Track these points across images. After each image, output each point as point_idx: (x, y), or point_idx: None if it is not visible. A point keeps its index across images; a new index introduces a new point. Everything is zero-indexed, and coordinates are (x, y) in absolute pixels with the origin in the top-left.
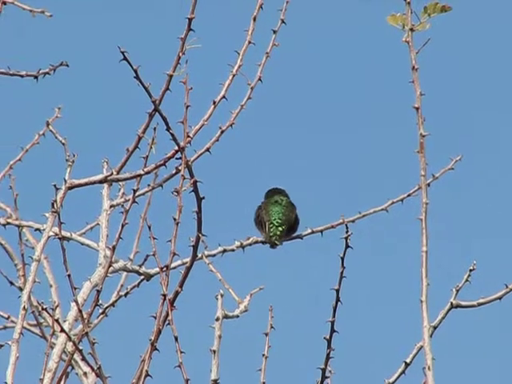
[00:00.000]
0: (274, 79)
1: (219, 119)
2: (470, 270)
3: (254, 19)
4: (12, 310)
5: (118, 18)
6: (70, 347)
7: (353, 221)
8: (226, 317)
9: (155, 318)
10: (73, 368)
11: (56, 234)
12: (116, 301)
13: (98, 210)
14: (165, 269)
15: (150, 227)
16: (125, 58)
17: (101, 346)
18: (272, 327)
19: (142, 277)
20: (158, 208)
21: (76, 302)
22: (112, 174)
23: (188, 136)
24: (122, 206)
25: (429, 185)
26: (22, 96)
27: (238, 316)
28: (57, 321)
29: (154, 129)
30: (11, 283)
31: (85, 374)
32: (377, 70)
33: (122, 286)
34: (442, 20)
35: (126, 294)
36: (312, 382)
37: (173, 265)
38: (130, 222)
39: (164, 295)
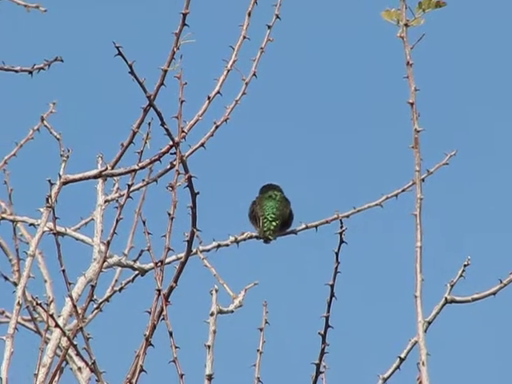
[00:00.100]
0: (268, 74)
1: (214, 114)
2: (465, 266)
3: (249, 14)
4: (6, 305)
5: (113, 12)
6: (64, 342)
7: (347, 216)
8: (220, 312)
9: (150, 313)
10: (67, 363)
11: (50, 229)
12: (110, 296)
13: (92, 205)
14: (159, 264)
15: (144, 222)
16: (119, 53)
17: (95, 341)
18: (266, 322)
19: (137, 272)
20: (152, 203)
21: (70, 297)
22: (106, 169)
23: (183, 131)
24: (117, 201)
25: (423, 180)
26: (17, 91)
27: (232, 311)
28: (51, 316)
29: (149, 124)
30: (6, 278)
31: (79, 369)
32: (371, 65)
33: (116, 281)
34: (437, 15)
35: (120, 289)
36: (306, 378)
37: (167, 260)
38: (125, 217)
39: (158, 290)
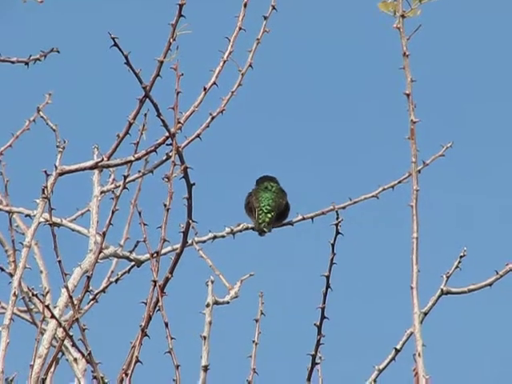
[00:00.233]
0: (264, 65)
1: (210, 105)
2: (461, 257)
3: (245, 5)
4: (2, 296)
5: (109, 3)
6: (60, 333)
7: (343, 207)
8: (216, 303)
9: (146, 304)
10: (63, 354)
11: (46, 220)
12: (106, 287)
13: (88, 196)
14: (155, 255)
15: (140, 213)
16: (115, 44)
17: (91, 332)
18: (262, 313)
19: (133, 263)
20: (148, 194)
21: (66, 287)
22: (102, 160)
23: (179, 122)
24: (113, 192)
25: (419, 171)
26: (13, 82)
27: (228, 302)
28: (47, 307)
29: (145, 115)
30: (1, 269)
31: (75, 359)
32: (368, 56)
33: (112, 272)
34: (433, 6)
35: (116, 280)
36: (302, 368)
37: (163, 251)
38: (121, 208)
39: (154, 281)
